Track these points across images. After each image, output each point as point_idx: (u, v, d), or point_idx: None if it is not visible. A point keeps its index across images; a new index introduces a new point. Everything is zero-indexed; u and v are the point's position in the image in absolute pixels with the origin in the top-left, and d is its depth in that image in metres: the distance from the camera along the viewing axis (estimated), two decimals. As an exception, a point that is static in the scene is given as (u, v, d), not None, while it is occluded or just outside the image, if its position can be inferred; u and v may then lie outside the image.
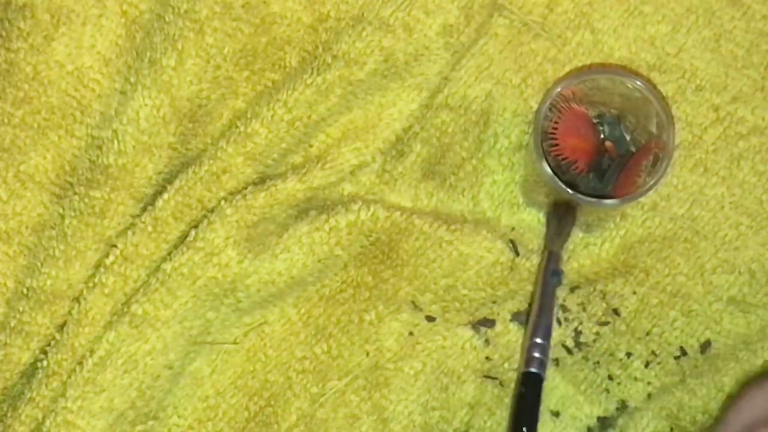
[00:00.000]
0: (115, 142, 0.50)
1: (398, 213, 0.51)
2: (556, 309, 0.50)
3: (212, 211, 0.50)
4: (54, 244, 0.50)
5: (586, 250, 0.52)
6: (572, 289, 0.52)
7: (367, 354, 0.52)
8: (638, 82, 0.48)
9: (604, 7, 0.53)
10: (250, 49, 0.51)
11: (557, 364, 0.51)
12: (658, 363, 0.51)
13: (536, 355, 0.46)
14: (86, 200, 0.50)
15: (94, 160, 0.50)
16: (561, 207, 0.50)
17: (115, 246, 0.49)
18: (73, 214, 0.50)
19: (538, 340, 0.46)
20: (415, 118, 0.52)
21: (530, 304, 0.51)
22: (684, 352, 0.51)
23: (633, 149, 0.50)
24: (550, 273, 0.49)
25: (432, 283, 0.52)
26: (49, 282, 0.49)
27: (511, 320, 0.52)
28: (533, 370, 0.44)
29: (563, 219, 0.50)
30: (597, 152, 0.50)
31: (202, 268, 0.49)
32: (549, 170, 0.47)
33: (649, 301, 0.52)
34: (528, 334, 0.45)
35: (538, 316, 0.47)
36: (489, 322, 0.52)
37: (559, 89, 0.48)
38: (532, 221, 0.52)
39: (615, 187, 0.49)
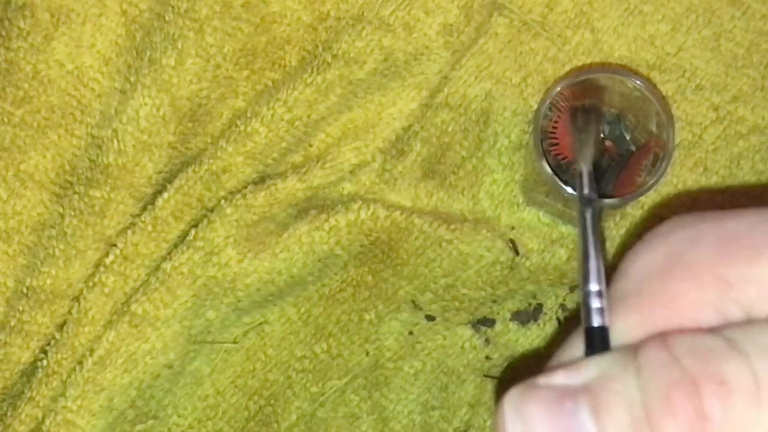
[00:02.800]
0: (115, 141, 0.50)
1: (398, 212, 0.51)
2: (602, 244, 0.41)
3: (212, 210, 0.50)
4: (54, 244, 0.50)
5: (586, 250, 0.52)
6: (572, 289, 0.52)
7: (367, 353, 0.52)
8: (638, 82, 0.48)
9: (603, 7, 0.53)
10: (250, 49, 0.52)
11: (557, 364, 0.51)
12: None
13: (596, 305, 0.37)
14: (86, 199, 0.50)
15: (94, 160, 0.50)
16: (578, 114, 0.45)
17: (115, 245, 0.49)
18: (72, 213, 0.50)
19: (593, 287, 0.38)
20: (415, 118, 0.52)
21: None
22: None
23: (633, 148, 0.50)
24: (584, 201, 0.40)
25: (432, 282, 0.52)
26: (49, 281, 0.49)
27: (511, 319, 0.52)
28: (595, 324, 0.37)
29: (584, 127, 0.44)
30: (597, 151, 0.50)
31: (202, 267, 0.49)
32: (549, 169, 0.47)
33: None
34: (580, 284, 0.38)
35: (584, 260, 0.38)
36: (489, 322, 0.52)
37: (558, 88, 0.48)
38: (532, 220, 0.52)
39: (615, 187, 0.49)
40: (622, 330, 0.36)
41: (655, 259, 0.37)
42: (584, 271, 0.38)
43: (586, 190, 0.41)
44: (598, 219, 0.41)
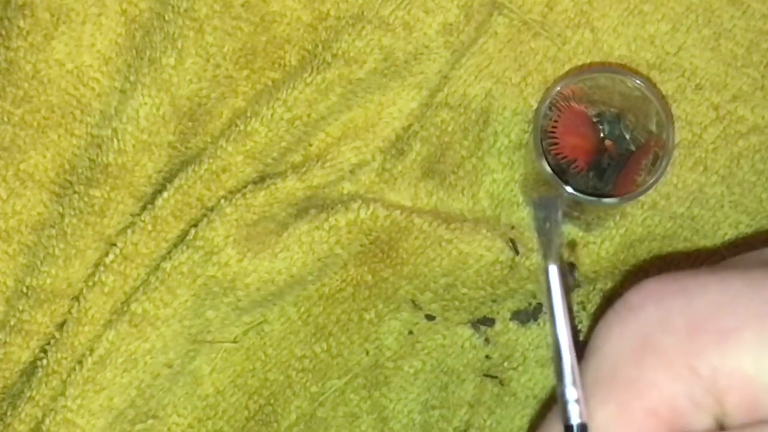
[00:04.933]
0: (115, 140, 0.50)
1: (398, 212, 0.51)
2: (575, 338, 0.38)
3: (212, 209, 0.50)
4: (54, 243, 0.50)
5: (586, 249, 0.52)
6: (571, 289, 0.52)
7: (367, 353, 0.52)
8: (638, 81, 0.48)
9: (603, 6, 0.53)
10: (250, 48, 0.51)
11: (557, 363, 0.51)
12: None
13: (572, 398, 0.38)
14: (86, 199, 0.50)
15: (93, 159, 0.50)
16: (541, 207, 0.41)
17: (114, 245, 0.49)
18: (72, 212, 0.50)
19: (569, 384, 0.37)
20: (415, 117, 0.52)
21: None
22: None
23: (633, 148, 0.50)
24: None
25: (432, 281, 0.52)
26: (48, 281, 0.49)
27: (510, 319, 0.52)
28: (574, 422, 0.40)
29: (546, 216, 0.40)
30: (597, 151, 0.50)
31: (202, 266, 0.49)
32: (549, 169, 0.47)
33: (649, 300, 0.52)
34: (555, 379, 0.38)
35: (559, 359, 0.38)
36: (489, 321, 0.52)
37: (558, 88, 0.48)
38: (532, 220, 0.52)
39: (615, 186, 0.49)
40: (602, 421, 0.37)
41: (628, 340, 0.38)
42: (559, 369, 0.38)
43: (556, 290, 0.38)
44: (572, 319, 0.41)
